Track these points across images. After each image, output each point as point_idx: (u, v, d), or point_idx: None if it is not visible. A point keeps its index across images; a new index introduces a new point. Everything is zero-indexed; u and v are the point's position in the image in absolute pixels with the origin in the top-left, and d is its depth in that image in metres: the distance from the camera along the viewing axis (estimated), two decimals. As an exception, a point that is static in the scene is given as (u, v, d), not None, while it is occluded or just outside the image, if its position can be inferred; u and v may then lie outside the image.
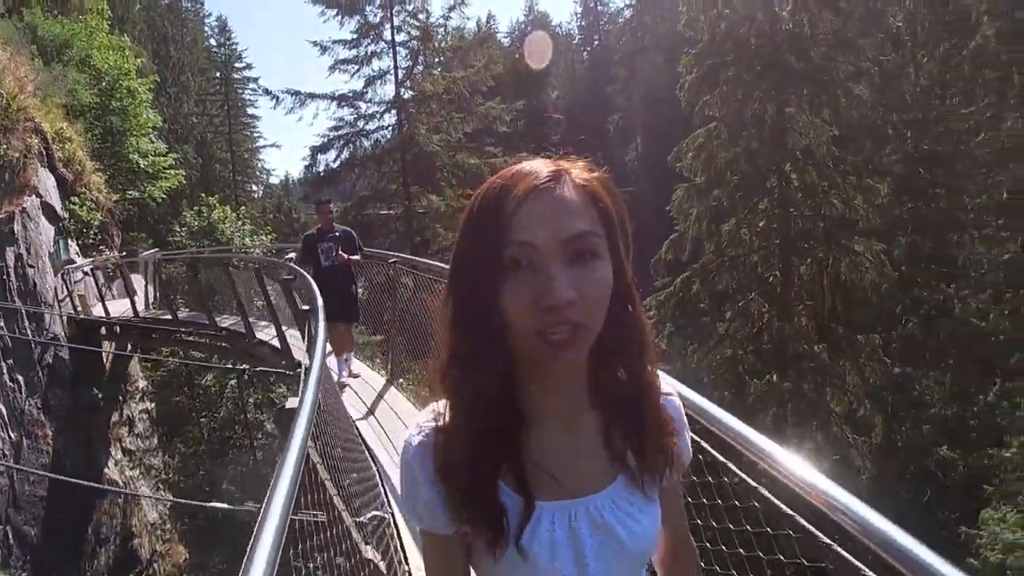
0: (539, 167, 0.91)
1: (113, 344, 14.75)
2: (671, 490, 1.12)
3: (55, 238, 14.53)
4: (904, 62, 18.74)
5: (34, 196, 14.07)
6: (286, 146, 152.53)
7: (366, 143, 22.88)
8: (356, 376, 8.36)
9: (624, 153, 42.15)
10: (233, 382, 18.20)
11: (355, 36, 22.04)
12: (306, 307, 6.14)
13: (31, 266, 13.27)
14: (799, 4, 18.39)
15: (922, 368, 17.24)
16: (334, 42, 22.15)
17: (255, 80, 45.77)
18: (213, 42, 47.37)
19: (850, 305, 18.62)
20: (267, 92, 23.67)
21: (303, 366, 4.69)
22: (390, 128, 22.49)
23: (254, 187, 46.21)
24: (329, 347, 7.25)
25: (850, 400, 17.36)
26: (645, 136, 40.78)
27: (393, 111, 22.38)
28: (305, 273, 7.25)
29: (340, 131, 22.81)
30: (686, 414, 1.16)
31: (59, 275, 14.15)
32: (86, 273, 14.90)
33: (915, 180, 17.57)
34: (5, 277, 12.58)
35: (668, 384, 1.12)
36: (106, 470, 14.47)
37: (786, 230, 18.65)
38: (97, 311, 14.39)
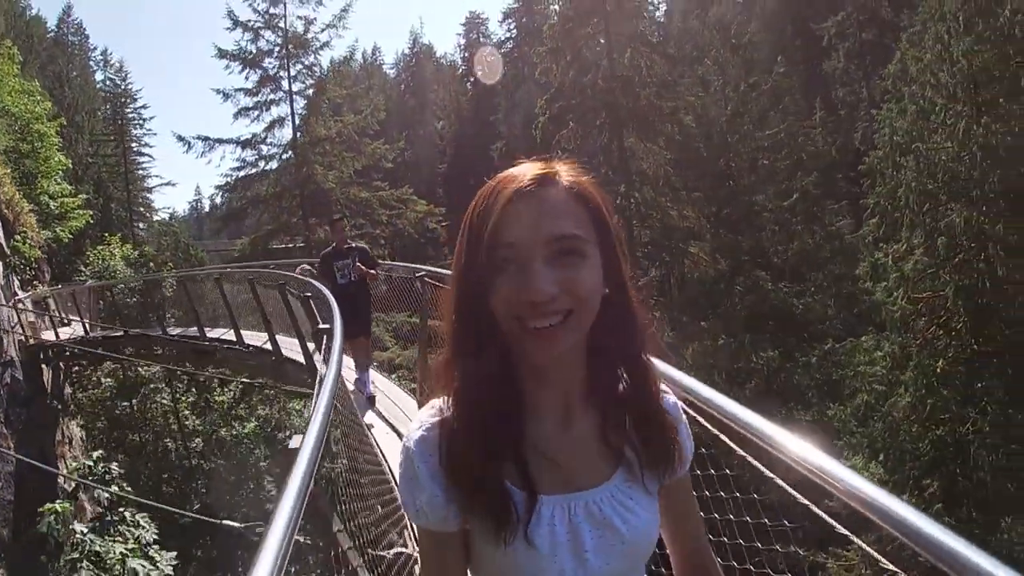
0: (528, 170, 1.00)
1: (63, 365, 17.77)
2: (679, 488, 1.20)
3: (5, 272, 17.47)
4: (715, 98, 24.52)
5: (-1, 235, 17.14)
6: (180, 183, 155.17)
7: (265, 182, 26.78)
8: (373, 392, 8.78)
9: None
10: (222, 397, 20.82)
11: (255, 86, 26.23)
12: (325, 325, 6.07)
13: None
14: (636, 51, 23.88)
15: (753, 339, 22.46)
16: (236, 90, 26.78)
17: (149, 120, 48.80)
18: (100, 76, 50.04)
19: (693, 296, 23.84)
20: (180, 138, 29.04)
21: (315, 386, 4.40)
22: (289, 167, 26.45)
23: (142, 225, 47.92)
24: (351, 360, 8.12)
25: (689, 371, 22.44)
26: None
27: (291, 152, 26.45)
28: (325, 290, 7.54)
29: (243, 171, 26.86)
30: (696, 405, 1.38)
31: (11, 305, 17.17)
32: (36, 303, 17.98)
33: (726, 190, 23.28)
34: None
35: (665, 375, 1.30)
36: (59, 480, 17.44)
37: (632, 242, 23.89)
38: (47, 336, 17.52)
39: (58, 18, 47.69)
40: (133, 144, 47.80)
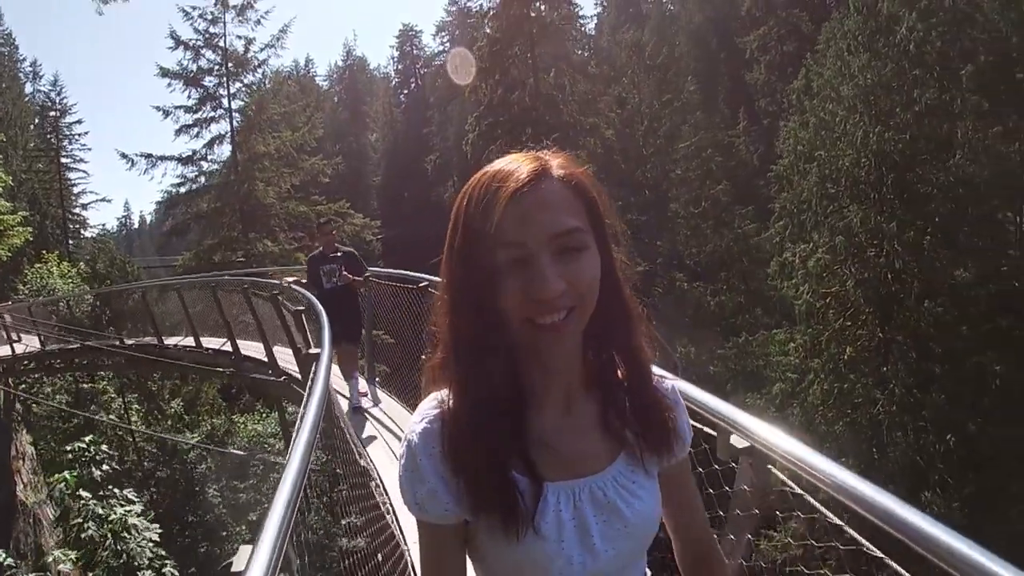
0: (521, 165, 1.01)
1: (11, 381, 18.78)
2: (679, 473, 1.23)
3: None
4: (631, 114, 26.94)
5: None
6: (112, 199, 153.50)
7: (207, 198, 28.14)
8: (364, 395, 8.45)
9: (443, 190, 46.71)
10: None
11: (196, 103, 27.73)
12: (315, 350, 6.02)
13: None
14: (559, 71, 26.06)
15: (671, 335, 24.72)
16: (176, 107, 28.05)
17: (84, 135, 49.04)
18: (29, 89, 48.88)
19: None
20: (123, 155, 29.25)
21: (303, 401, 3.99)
22: (229, 183, 27.83)
23: (71, 242, 47.44)
24: (337, 368, 7.78)
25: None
26: (460, 174, 45.87)
27: (231, 169, 27.85)
28: (312, 299, 7.57)
29: (183, 187, 28.23)
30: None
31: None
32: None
33: (643, 198, 25.71)
34: None
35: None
36: (17, 492, 18.24)
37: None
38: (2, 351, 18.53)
39: None
40: (67, 159, 47.37)
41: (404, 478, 1.08)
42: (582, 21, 52.48)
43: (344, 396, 7.94)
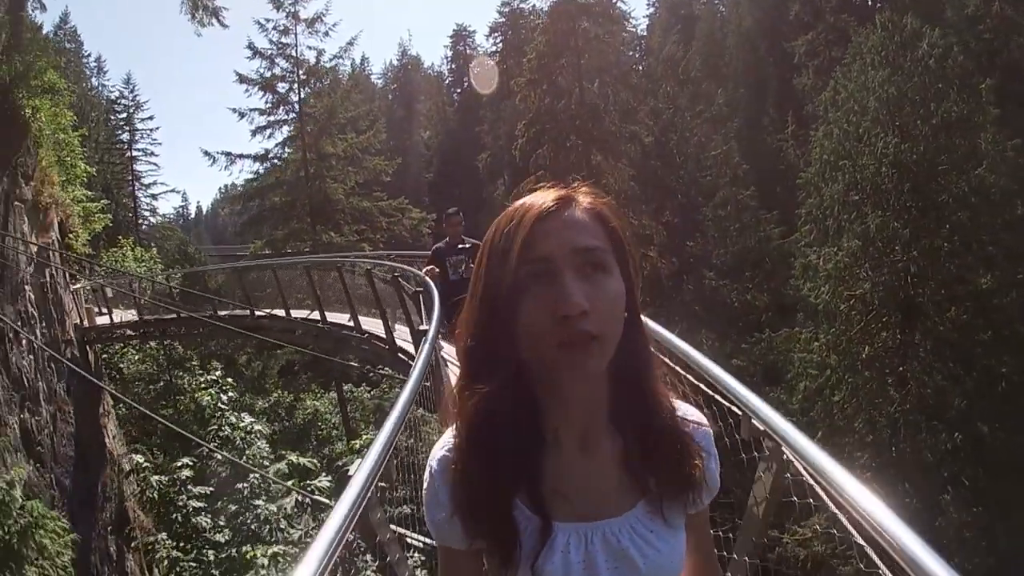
0: (547, 195, 1.06)
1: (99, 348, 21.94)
2: (698, 516, 1.20)
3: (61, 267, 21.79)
4: (666, 124, 29.90)
5: (56, 233, 21.52)
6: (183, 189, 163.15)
7: (279, 193, 32.01)
8: None
9: (494, 188, 49.28)
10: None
11: (269, 106, 31.64)
12: (424, 327, 6.46)
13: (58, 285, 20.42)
14: (603, 82, 29.11)
15: (698, 328, 27.50)
16: (251, 110, 31.58)
17: (155, 130, 51.95)
18: (94, 83, 52.44)
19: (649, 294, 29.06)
20: (206, 153, 32.38)
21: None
22: (299, 180, 31.56)
23: (147, 227, 50.97)
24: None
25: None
26: (512, 174, 45.62)
27: (302, 167, 31.56)
28: (431, 284, 7.75)
29: (256, 182, 32.24)
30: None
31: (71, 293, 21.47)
32: (94, 290, 22.30)
33: (676, 202, 28.70)
34: (46, 291, 19.59)
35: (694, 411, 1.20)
36: (106, 443, 18.98)
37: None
38: (102, 320, 21.83)
39: (55, 25, 48.49)
40: (138, 152, 51.20)
41: (425, 502, 1.11)
42: (634, 21, 53.12)
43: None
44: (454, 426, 1.11)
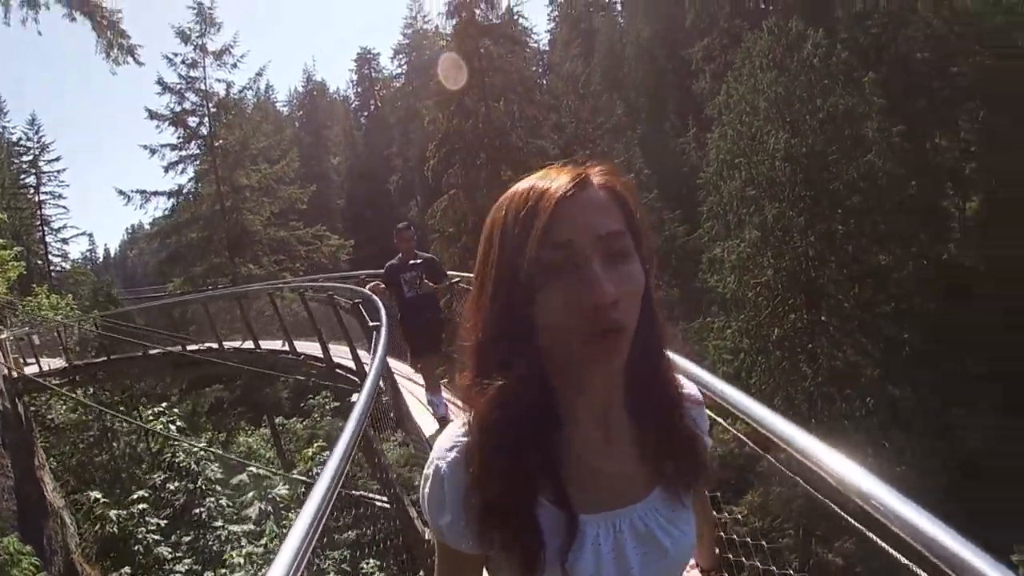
0: (561, 175, 0.98)
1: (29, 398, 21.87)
2: (697, 492, 1.18)
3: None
4: (570, 138, 31.39)
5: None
6: (92, 231, 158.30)
7: (194, 228, 32.17)
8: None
9: (407, 210, 49.28)
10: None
11: (181, 141, 31.80)
12: (374, 323, 6.61)
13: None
14: (509, 99, 30.33)
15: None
16: (163, 146, 31.53)
17: (62, 172, 50.88)
18: (1, 128, 50.99)
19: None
20: (120, 192, 32.20)
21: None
22: (215, 214, 31.78)
23: (57, 273, 49.82)
24: (424, 382, 8.04)
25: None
26: (423, 194, 46.22)
27: (217, 201, 31.76)
28: (375, 298, 7.61)
29: (171, 219, 32.38)
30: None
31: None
32: (19, 339, 22.09)
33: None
34: None
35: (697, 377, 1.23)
36: (46, 495, 20.97)
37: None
38: (30, 369, 21.77)
39: None
40: (45, 195, 50.34)
41: (428, 502, 1.05)
42: (536, 37, 55.37)
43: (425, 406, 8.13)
44: (462, 425, 1.05)
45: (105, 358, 19.97)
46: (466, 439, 1.04)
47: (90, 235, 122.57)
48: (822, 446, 1.58)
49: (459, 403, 3.18)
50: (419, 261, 7.89)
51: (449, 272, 8.81)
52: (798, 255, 21.26)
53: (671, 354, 1.12)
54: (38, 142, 50.79)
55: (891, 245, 21.65)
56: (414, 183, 50.03)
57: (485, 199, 29.12)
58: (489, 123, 29.21)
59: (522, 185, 1.01)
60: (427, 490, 1.06)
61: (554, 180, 0.98)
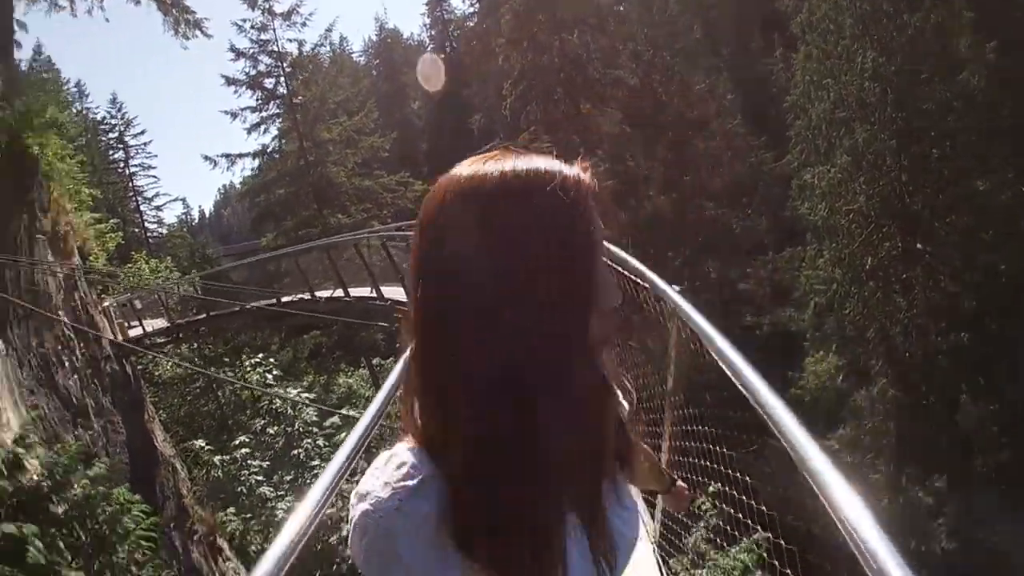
0: (558, 165, 0.91)
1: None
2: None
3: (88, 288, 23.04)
4: (647, 66, 30.52)
5: (78, 258, 22.79)
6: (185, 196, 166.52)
7: (281, 185, 33.16)
8: None
9: (489, 150, 49.52)
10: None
11: (260, 103, 32.60)
12: None
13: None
14: (582, 31, 29.77)
15: (702, 257, 28.52)
16: (242, 109, 32.41)
17: (148, 143, 53.24)
18: (77, 107, 51.55)
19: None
20: (206, 158, 33.42)
21: None
22: (300, 169, 32.64)
23: (155, 240, 52.39)
24: None
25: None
26: (505, 132, 47.55)
27: (301, 157, 32.63)
28: None
29: (259, 179, 33.39)
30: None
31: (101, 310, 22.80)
32: (122, 305, 23.54)
33: (667, 138, 29.67)
34: (78, 314, 20.79)
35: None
36: (156, 446, 20.70)
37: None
38: (134, 332, 23.09)
39: (29, 58, 47.15)
40: (135, 168, 52.88)
41: (368, 562, 0.89)
42: None
43: None
44: (397, 459, 0.91)
45: (205, 315, 20.82)
46: (421, 475, 0.88)
47: (183, 200, 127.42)
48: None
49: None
50: None
51: None
52: (891, 180, 20.37)
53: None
54: (122, 118, 52.96)
55: (989, 169, 20.33)
56: (495, 122, 49.45)
57: (566, 133, 28.86)
58: (564, 56, 28.73)
59: (535, 167, 0.90)
60: (365, 549, 0.89)
61: (569, 171, 0.91)
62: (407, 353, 0.98)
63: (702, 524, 7.55)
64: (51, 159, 17.37)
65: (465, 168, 0.92)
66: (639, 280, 3.60)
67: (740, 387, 1.76)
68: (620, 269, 3.67)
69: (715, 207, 27.72)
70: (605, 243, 0.93)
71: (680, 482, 1.75)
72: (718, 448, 3.42)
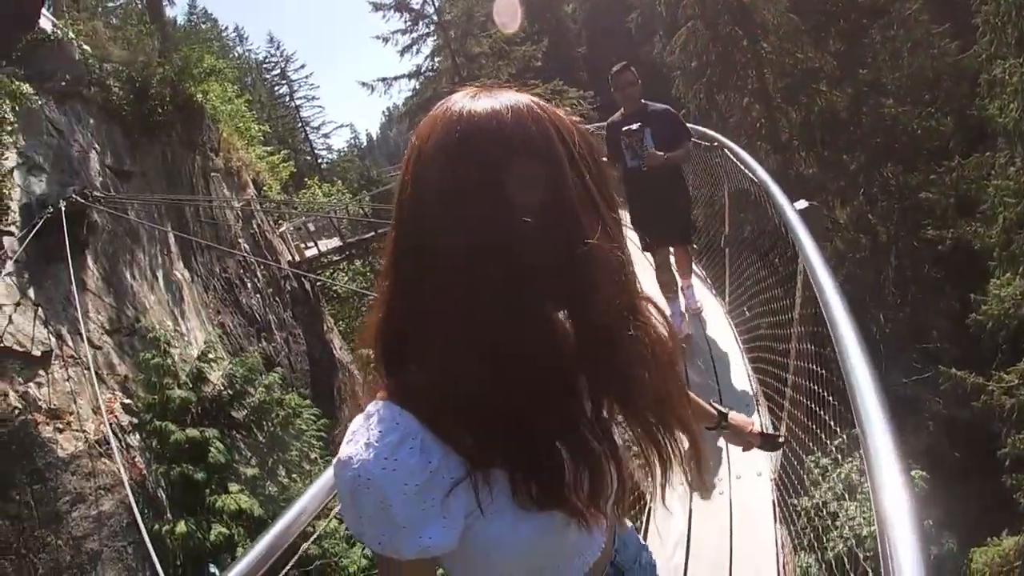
0: (553, 109, 0.96)
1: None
2: None
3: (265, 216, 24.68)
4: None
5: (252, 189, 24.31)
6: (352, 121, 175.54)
7: (437, 103, 33.59)
8: (698, 312, 6.42)
9: (650, 47, 46.67)
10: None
11: (409, 24, 33.10)
12: None
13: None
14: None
15: (880, 159, 26.52)
16: (393, 32, 33.22)
17: (310, 76, 56.48)
18: (239, 51, 56.40)
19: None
20: (363, 84, 35.12)
21: None
22: (454, 87, 32.84)
23: (328, 166, 54.85)
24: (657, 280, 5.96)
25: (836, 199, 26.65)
26: (665, 29, 44.20)
27: (455, 72, 33.05)
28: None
29: (416, 99, 34.08)
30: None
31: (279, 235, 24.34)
32: (297, 228, 25.09)
33: (839, 28, 27.22)
34: (257, 240, 22.19)
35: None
36: (334, 352, 22.18)
37: (769, 89, 28.38)
38: (310, 252, 24.59)
39: (186, 13, 51.11)
40: (301, 101, 55.72)
41: (364, 521, 0.90)
42: None
43: None
44: (386, 417, 0.93)
45: (373, 233, 22.61)
46: (401, 423, 0.91)
47: (351, 125, 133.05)
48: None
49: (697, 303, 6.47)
50: (656, 109, 5.82)
51: (695, 127, 6.57)
52: None
53: None
54: (281, 55, 56.10)
55: None
56: (654, 16, 47.61)
57: (726, 25, 27.36)
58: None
59: (538, 110, 0.95)
60: (360, 508, 0.90)
61: (561, 117, 0.97)
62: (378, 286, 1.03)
63: (849, 459, 7.38)
64: (215, 103, 18.39)
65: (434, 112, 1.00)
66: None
67: (832, 336, 1.71)
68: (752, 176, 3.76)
69: (894, 105, 25.41)
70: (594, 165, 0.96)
71: (736, 414, 1.71)
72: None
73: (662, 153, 5.56)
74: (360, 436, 0.91)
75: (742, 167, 5.22)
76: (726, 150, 6.23)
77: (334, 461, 0.92)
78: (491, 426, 0.90)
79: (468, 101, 0.96)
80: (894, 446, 1.19)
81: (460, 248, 0.88)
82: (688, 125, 6.11)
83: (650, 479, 1.04)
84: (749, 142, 27.02)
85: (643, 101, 5.77)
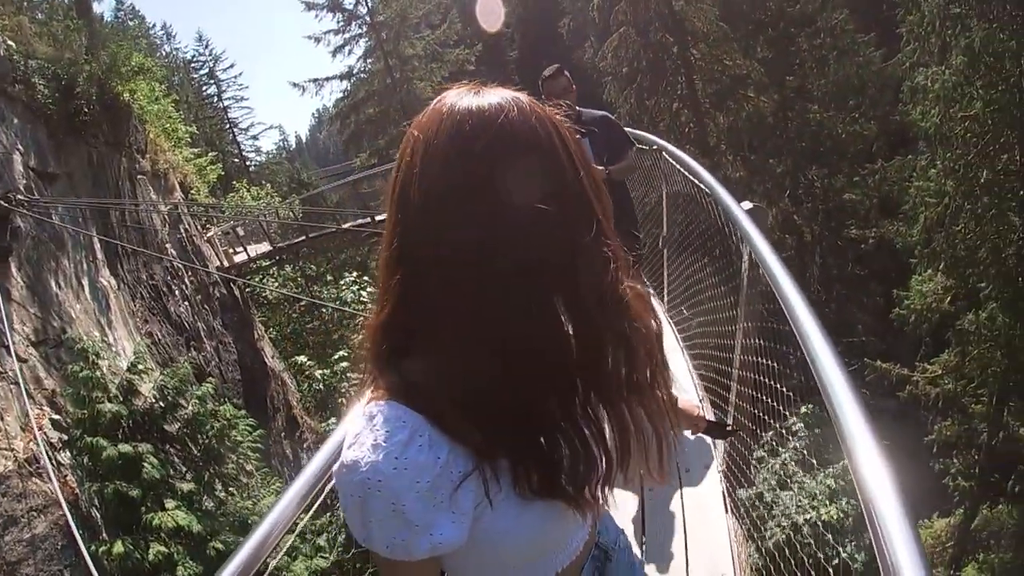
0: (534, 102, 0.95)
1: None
2: None
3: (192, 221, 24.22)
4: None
5: (180, 192, 23.89)
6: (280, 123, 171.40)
7: (370, 104, 33.55)
8: None
9: (582, 52, 46.29)
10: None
11: (342, 24, 32.79)
12: None
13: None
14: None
15: (805, 163, 27.39)
16: (325, 32, 32.91)
17: (239, 76, 55.15)
18: (167, 50, 55.65)
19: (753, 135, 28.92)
20: (294, 84, 34.51)
21: None
22: (387, 88, 32.91)
23: (255, 168, 54.75)
24: None
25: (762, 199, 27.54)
26: (597, 35, 43.21)
27: (388, 75, 32.88)
28: None
29: (347, 100, 33.80)
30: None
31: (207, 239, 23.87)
32: (225, 233, 24.55)
33: (768, 35, 28.01)
34: (184, 245, 21.81)
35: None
36: (267, 362, 21.65)
37: (697, 95, 29.01)
38: (238, 258, 24.21)
39: (113, 9, 50.76)
40: (230, 101, 54.70)
41: (374, 525, 0.89)
42: None
43: None
44: (391, 416, 0.91)
45: (304, 237, 22.21)
46: (409, 422, 0.90)
47: (279, 127, 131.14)
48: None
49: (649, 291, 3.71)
50: (595, 116, 5.00)
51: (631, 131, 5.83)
52: (1011, 86, 18.53)
53: None
54: (210, 54, 55.12)
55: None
56: (585, 24, 48.18)
57: (657, 32, 27.86)
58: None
59: (522, 102, 0.94)
60: (369, 511, 0.89)
61: (545, 111, 0.97)
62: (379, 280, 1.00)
63: (791, 445, 7.68)
64: (143, 103, 17.95)
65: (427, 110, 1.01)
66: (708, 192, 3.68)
67: (792, 327, 1.75)
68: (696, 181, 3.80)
69: (819, 111, 26.33)
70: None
71: (683, 398, 1.68)
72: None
73: (603, 168, 4.54)
74: (365, 438, 0.90)
75: (684, 171, 5.32)
76: (665, 154, 6.42)
77: (335, 467, 0.90)
78: (499, 420, 0.91)
79: (473, 97, 0.95)
80: (865, 418, 1.24)
81: (470, 242, 0.88)
82: (627, 130, 5.45)
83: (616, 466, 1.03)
84: (678, 146, 26.63)
85: (578, 108, 4.93)
